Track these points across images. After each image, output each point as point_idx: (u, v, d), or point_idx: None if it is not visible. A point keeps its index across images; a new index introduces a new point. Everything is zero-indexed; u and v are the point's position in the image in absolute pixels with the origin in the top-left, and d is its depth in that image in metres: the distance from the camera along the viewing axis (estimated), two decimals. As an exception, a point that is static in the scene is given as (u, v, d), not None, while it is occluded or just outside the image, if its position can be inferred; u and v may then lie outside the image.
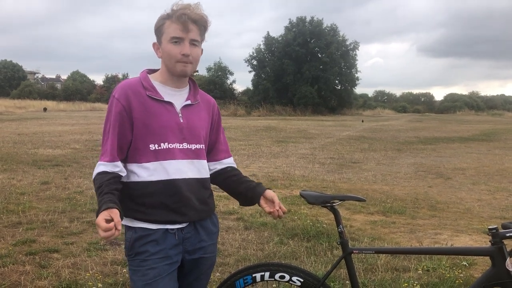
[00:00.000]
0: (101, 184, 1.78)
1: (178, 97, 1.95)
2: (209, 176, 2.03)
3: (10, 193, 6.79)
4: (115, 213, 1.68)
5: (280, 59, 44.69)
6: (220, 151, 2.11)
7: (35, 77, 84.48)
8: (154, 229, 1.86)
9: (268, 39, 46.77)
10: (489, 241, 1.95)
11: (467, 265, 4.16)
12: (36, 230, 5.00)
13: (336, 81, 46.64)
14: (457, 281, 3.73)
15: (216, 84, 45.69)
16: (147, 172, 1.86)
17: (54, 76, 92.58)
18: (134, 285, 1.89)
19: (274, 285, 3.53)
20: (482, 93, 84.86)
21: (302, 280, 2.14)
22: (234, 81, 50.14)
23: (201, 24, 1.88)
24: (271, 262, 2.22)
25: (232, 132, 19.66)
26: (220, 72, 47.48)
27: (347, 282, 3.61)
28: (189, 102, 1.96)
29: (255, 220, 5.63)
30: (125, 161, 1.90)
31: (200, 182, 1.96)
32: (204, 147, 2.00)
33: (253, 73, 47.58)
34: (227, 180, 2.10)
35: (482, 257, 4.23)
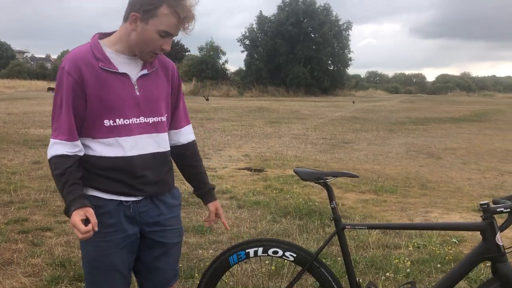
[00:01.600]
0: (64, 171, 1.71)
1: (133, 66, 1.81)
2: (169, 149, 1.95)
3: (1, 173, 6.74)
4: (90, 213, 1.66)
5: (273, 39, 44.29)
6: (180, 119, 2.02)
7: (24, 56, 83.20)
8: (107, 199, 1.80)
9: (261, 19, 46.25)
10: (480, 217, 1.98)
11: (456, 242, 4.22)
12: (28, 209, 4.99)
13: (329, 62, 46.39)
14: (447, 257, 3.79)
15: (208, 64, 45.24)
16: (101, 147, 1.78)
17: (43, 56, 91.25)
18: (86, 254, 1.87)
19: (267, 261, 3.57)
20: (474, 74, 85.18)
21: (295, 255, 2.16)
22: (226, 61, 49.63)
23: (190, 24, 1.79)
24: (264, 238, 2.24)
25: (224, 113, 19.60)
26: (212, 52, 46.96)
27: (338, 258, 3.65)
28: (145, 71, 1.83)
29: (248, 199, 5.66)
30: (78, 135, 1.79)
31: (158, 157, 1.88)
32: (164, 119, 1.90)
33: (245, 53, 47.22)
34: (186, 168, 2.09)
35: (471, 234, 4.31)
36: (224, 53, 48.50)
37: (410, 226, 2.36)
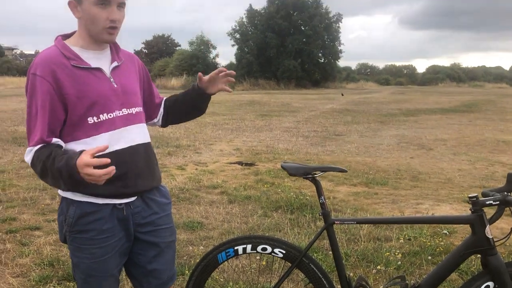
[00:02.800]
0: (48, 155, 1.62)
1: (103, 60, 1.80)
2: (150, 140, 1.96)
3: (-12, 171, 6.65)
4: (89, 152, 1.54)
5: (263, 32, 44.12)
6: (157, 103, 2.10)
7: (13, 53, 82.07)
8: (101, 204, 1.76)
9: (251, 12, 46.01)
10: (470, 209, 1.96)
11: (447, 233, 4.23)
12: (17, 208, 4.93)
13: (320, 54, 46.34)
14: (438, 249, 3.80)
15: (199, 59, 44.95)
16: (88, 148, 1.68)
17: (33, 52, 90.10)
18: (79, 262, 1.81)
19: (258, 257, 3.55)
20: (464, 65, 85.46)
21: (284, 252, 2.14)
22: (217, 55, 49.22)
23: None
24: (253, 235, 2.21)
25: (215, 107, 19.51)
26: (202, 46, 46.64)
27: (330, 252, 3.64)
28: (116, 63, 1.82)
29: (239, 193, 5.63)
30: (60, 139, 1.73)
31: (145, 147, 1.89)
32: (142, 109, 1.93)
33: (236, 47, 47.00)
34: (180, 109, 2.12)
35: (462, 225, 4.31)
36: (214, 47, 48.09)
37: (398, 220, 2.34)
